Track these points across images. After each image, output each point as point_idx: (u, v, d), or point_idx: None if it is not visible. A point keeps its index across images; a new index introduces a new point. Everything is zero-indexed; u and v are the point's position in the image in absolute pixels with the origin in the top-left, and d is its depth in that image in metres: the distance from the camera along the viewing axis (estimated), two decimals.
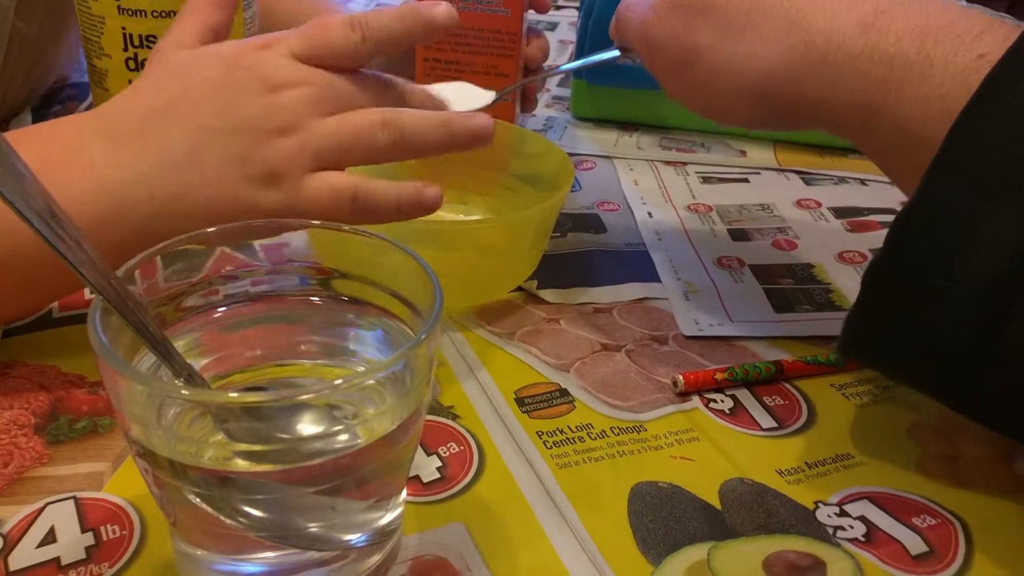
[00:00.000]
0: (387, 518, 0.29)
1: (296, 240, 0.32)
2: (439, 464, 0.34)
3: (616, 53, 0.46)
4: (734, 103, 0.37)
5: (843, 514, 0.32)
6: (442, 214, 0.52)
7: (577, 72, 0.66)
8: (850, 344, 0.33)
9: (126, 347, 0.26)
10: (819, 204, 0.56)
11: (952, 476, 0.35)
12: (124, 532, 0.30)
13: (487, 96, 0.45)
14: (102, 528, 0.30)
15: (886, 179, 0.59)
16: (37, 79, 0.61)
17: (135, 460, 0.26)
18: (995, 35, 0.30)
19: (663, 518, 0.32)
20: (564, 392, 0.38)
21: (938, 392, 0.33)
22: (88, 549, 0.29)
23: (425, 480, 0.33)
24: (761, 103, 0.36)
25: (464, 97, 0.44)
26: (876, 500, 0.33)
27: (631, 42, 0.42)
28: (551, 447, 0.35)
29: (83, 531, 0.30)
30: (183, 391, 0.25)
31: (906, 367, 0.33)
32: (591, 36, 0.63)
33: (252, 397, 0.25)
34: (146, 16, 0.47)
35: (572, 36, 0.89)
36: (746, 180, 0.60)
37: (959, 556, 0.31)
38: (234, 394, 0.26)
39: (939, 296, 0.29)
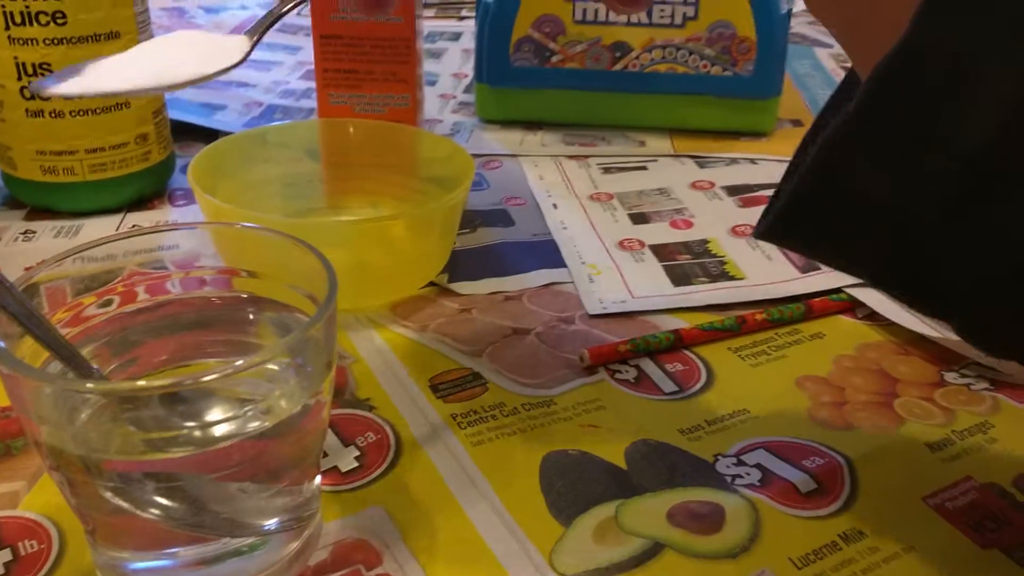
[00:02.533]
0: (301, 503, 0.30)
1: (202, 249, 0.33)
2: (357, 454, 0.35)
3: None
4: None
5: (740, 463, 0.35)
6: (353, 218, 0.54)
7: (479, 76, 0.68)
8: (781, 222, 0.28)
9: (28, 357, 0.26)
10: (712, 184, 0.59)
11: (838, 421, 0.37)
12: (43, 546, 0.30)
13: (230, 54, 0.37)
14: (20, 544, 0.30)
15: (776, 157, 0.63)
16: None
17: (49, 473, 0.26)
18: None
19: (573, 483, 0.34)
20: (477, 376, 0.40)
21: (881, 275, 0.28)
22: (7, 564, 0.29)
23: (344, 470, 0.34)
24: None
25: (204, 55, 0.36)
26: (770, 448, 0.36)
27: None
28: (465, 427, 0.37)
29: (0, 548, 0.30)
30: (88, 384, 0.26)
31: (847, 246, 0.27)
32: (488, 39, 0.65)
33: (156, 382, 0.26)
34: (38, 44, 0.47)
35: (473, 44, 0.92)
36: (644, 168, 0.62)
37: (845, 489, 0.33)
38: (139, 382, 0.27)
39: (913, 164, 0.24)
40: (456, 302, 0.46)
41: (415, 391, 0.39)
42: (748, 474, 0.34)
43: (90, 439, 0.26)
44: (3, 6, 0.46)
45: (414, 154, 0.54)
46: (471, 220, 0.54)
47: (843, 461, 0.35)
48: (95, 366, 0.28)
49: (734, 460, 0.35)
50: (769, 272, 0.48)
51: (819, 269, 0.48)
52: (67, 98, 0.32)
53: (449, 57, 0.88)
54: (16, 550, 0.30)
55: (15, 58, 0.48)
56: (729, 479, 0.34)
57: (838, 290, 0.45)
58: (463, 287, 0.47)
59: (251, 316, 0.32)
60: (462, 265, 0.49)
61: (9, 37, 0.47)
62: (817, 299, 0.45)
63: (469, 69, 0.84)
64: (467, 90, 0.79)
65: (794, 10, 0.66)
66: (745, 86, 0.64)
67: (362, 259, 0.46)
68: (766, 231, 0.28)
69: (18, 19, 0.47)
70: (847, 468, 0.34)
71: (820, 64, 0.84)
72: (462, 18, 1.03)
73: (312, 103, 0.74)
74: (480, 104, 0.70)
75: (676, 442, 0.36)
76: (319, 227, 0.49)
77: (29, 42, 0.47)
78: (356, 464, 0.34)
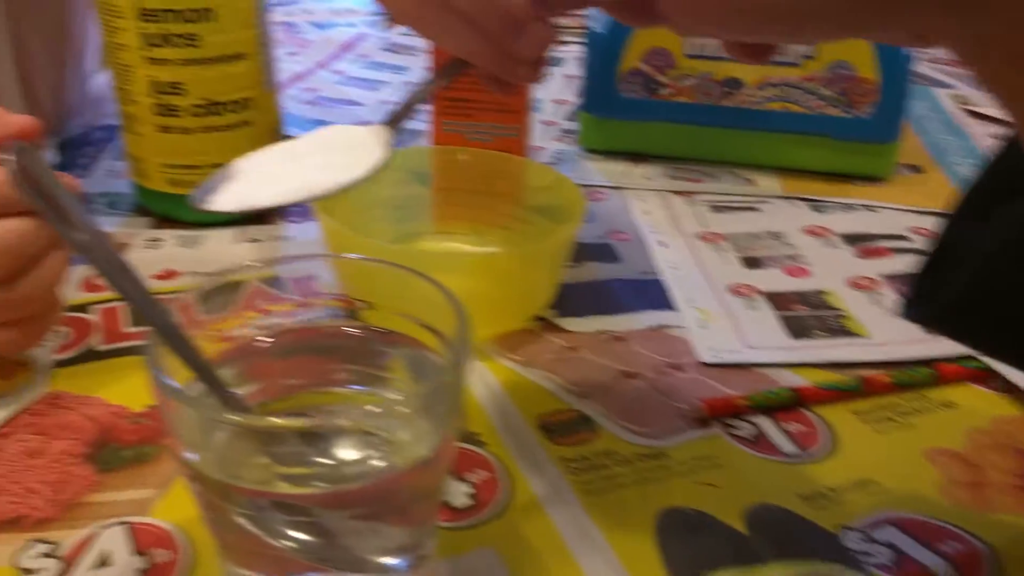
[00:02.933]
0: (423, 543, 0.30)
1: (324, 273, 0.34)
2: (469, 490, 0.35)
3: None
4: None
5: (869, 540, 0.33)
6: (458, 246, 0.54)
7: (583, 105, 0.68)
8: (920, 302, 0.27)
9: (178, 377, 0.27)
10: (828, 230, 0.58)
11: (977, 502, 0.35)
12: (174, 556, 0.31)
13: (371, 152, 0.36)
14: (152, 551, 0.31)
15: (896, 205, 0.61)
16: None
17: (189, 484, 0.27)
18: None
19: (691, 543, 0.33)
20: (587, 419, 0.39)
21: None
22: (141, 572, 0.30)
23: (456, 505, 0.34)
24: None
25: (347, 156, 0.36)
26: (901, 526, 0.34)
27: None
28: (577, 473, 0.36)
29: (134, 554, 0.31)
30: (233, 416, 0.26)
31: (995, 333, 0.27)
32: (596, 67, 0.65)
33: (296, 423, 0.26)
34: (172, 65, 0.49)
35: (578, 71, 0.91)
36: (755, 208, 0.61)
37: None
38: (278, 420, 0.27)
39: None
40: (562, 338, 0.46)
41: (524, 430, 0.39)
42: (880, 553, 0.33)
43: (226, 465, 0.26)
44: (142, 29, 0.48)
45: (521, 183, 0.54)
46: (576, 253, 0.54)
47: (984, 548, 0.33)
48: (235, 391, 0.28)
49: (862, 536, 0.33)
50: (893, 331, 0.46)
51: None
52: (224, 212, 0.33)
53: (552, 83, 0.88)
54: (149, 557, 0.31)
55: (150, 77, 0.50)
56: (858, 556, 0.33)
57: (970, 356, 0.44)
58: (570, 323, 0.47)
59: (379, 348, 0.32)
60: (569, 300, 0.49)
61: (146, 58, 0.49)
62: (947, 364, 0.43)
63: (571, 96, 0.84)
64: (569, 117, 0.79)
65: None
66: (864, 129, 0.62)
67: (472, 290, 0.46)
68: (932, 319, 0.26)
69: (155, 41, 0.49)
70: (990, 556, 0.33)
71: (939, 105, 0.81)
72: (564, 43, 1.03)
73: (418, 124, 0.75)
74: (584, 133, 0.70)
75: (798, 509, 0.35)
76: (432, 256, 0.50)
77: (164, 62, 0.49)
78: (469, 502, 0.34)
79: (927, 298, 0.28)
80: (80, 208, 0.28)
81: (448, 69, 0.38)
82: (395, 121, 0.38)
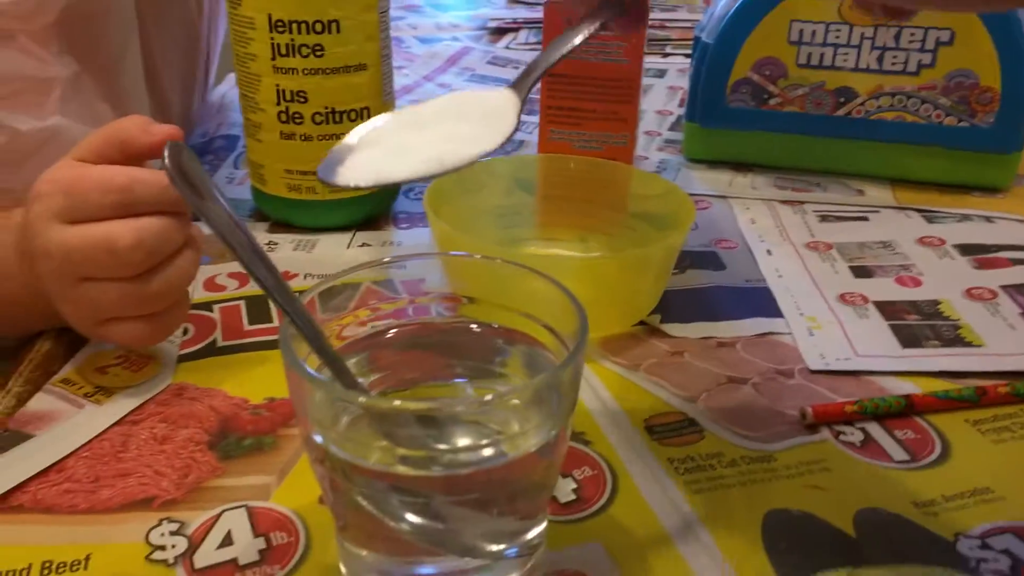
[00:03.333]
0: (533, 533, 0.30)
1: (431, 274, 0.35)
2: (574, 486, 0.36)
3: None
4: None
5: (985, 547, 0.32)
6: (563, 251, 0.55)
7: (690, 115, 0.68)
8: None
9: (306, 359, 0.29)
10: (943, 241, 0.56)
11: None
12: (291, 538, 0.33)
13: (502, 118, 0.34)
14: (272, 534, 0.33)
15: (1013, 215, 0.58)
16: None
17: (313, 467, 0.29)
18: None
19: (798, 543, 0.33)
20: (692, 422, 0.39)
21: None
22: (261, 552, 0.32)
23: (562, 501, 0.35)
24: None
25: (476, 124, 0.34)
26: (1020, 535, 0.33)
27: None
28: (683, 473, 0.36)
29: (255, 536, 0.33)
30: (360, 398, 0.28)
31: None
32: (705, 79, 0.65)
33: (416, 405, 0.27)
34: (297, 73, 0.52)
35: (681, 82, 0.92)
36: (865, 218, 0.60)
37: None
38: (398, 402, 0.29)
39: None
40: (667, 343, 0.46)
41: (630, 430, 0.39)
42: (996, 560, 0.32)
43: (350, 447, 0.28)
44: (272, 39, 0.51)
45: (626, 191, 0.55)
46: (681, 261, 0.54)
47: None
48: (359, 379, 0.30)
49: (978, 543, 0.32)
50: (1012, 341, 0.45)
51: None
52: (357, 188, 0.32)
53: (655, 94, 0.89)
54: (269, 539, 0.33)
55: (276, 86, 0.52)
56: (974, 563, 0.32)
57: None
58: (674, 329, 0.47)
59: (495, 344, 0.33)
60: (673, 306, 0.49)
61: (274, 67, 0.52)
62: None
63: (674, 107, 0.84)
64: (672, 128, 0.79)
65: None
66: (983, 138, 0.60)
67: (576, 293, 0.47)
68: None
69: (283, 51, 0.51)
70: None
71: None
72: (666, 55, 1.03)
73: (522, 135, 0.76)
74: (688, 143, 0.70)
75: (909, 515, 0.34)
76: (537, 259, 0.51)
77: (290, 72, 0.52)
78: (574, 497, 0.35)
79: None
80: (225, 200, 0.30)
81: (582, 26, 0.35)
82: (524, 84, 0.35)
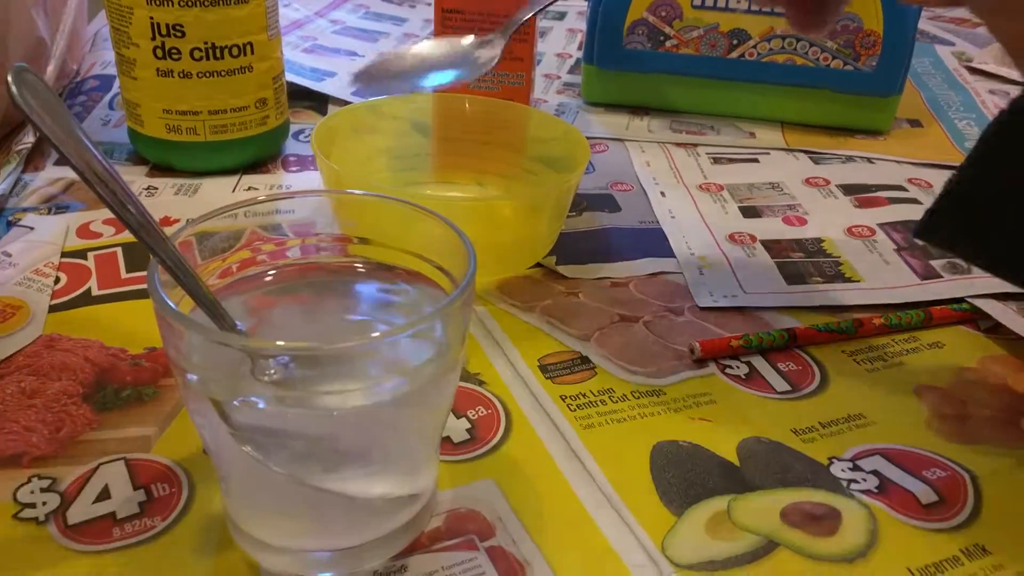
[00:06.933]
0: (424, 473, 0.30)
1: (320, 216, 0.34)
2: (468, 426, 0.35)
3: None
4: None
5: (856, 468, 0.34)
6: (460, 194, 0.54)
7: (588, 57, 0.68)
8: (935, 227, 0.35)
9: (180, 306, 0.27)
10: (828, 182, 0.58)
11: (961, 434, 0.36)
12: (173, 489, 0.32)
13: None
14: (152, 486, 0.32)
15: (894, 158, 0.61)
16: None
17: (192, 417, 0.27)
18: None
19: (684, 473, 0.33)
20: (585, 359, 0.40)
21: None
22: (141, 504, 0.31)
23: (455, 441, 0.35)
24: None
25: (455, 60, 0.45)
26: (888, 455, 0.35)
27: None
28: (575, 410, 0.37)
29: (135, 488, 0.31)
30: (238, 340, 0.27)
31: (999, 251, 0.34)
32: (601, 20, 0.65)
33: (296, 344, 0.26)
34: (173, 5, 0.49)
35: (580, 25, 0.91)
36: (756, 160, 0.61)
37: (968, 504, 0.32)
38: (280, 343, 0.28)
39: None
40: (562, 285, 0.46)
41: (524, 370, 0.39)
42: (865, 480, 0.33)
43: (229, 391, 0.27)
44: None
45: (524, 133, 0.54)
46: (577, 203, 0.54)
47: (966, 475, 0.34)
48: (238, 322, 0.28)
49: (850, 464, 0.34)
50: (887, 276, 0.47)
51: (940, 277, 0.46)
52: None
53: (554, 36, 0.88)
54: (149, 491, 0.31)
55: (151, 18, 0.49)
56: (845, 483, 0.33)
57: (960, 299, 0.44)
58: (570, 270, 0.47)
59: (386, 284, 0.33)
60: (569, 248, 0.49)
61: None
62: (937, 307, 0.43)
63: (574, 50, 0.84)
64: (571, 71, 0.78)
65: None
66: (866, 82, 0.62)
67: (472, 236, 0.46)
68: (921, 228, 0.31)
69: None
70: (970, 483, 0.33)
71: (941, 62, 0.81)
72: None
73: None
74: (586, 86, 0.70)
75: (789, 442, 0.35)
76: (432, 201, 0.50)
77: (165, 3, 0.49)
78: (467, 436, 0.35)
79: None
80: (79, 127, 0.28)
81: None
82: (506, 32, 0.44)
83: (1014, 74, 0.80)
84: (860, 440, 0.36)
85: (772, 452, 0.35)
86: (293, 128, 0.61)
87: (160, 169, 0.55)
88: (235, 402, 0.26)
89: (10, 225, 0.48)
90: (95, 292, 0.43)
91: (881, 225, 0.52)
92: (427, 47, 0.47)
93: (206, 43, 0.50)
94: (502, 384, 0.38)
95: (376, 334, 0.27)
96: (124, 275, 0.44)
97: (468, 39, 0.47)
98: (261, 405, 0.26)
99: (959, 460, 0.34)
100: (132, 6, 0.49)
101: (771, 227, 0.52)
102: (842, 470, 0.34)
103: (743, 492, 0.33)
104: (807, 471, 0.34)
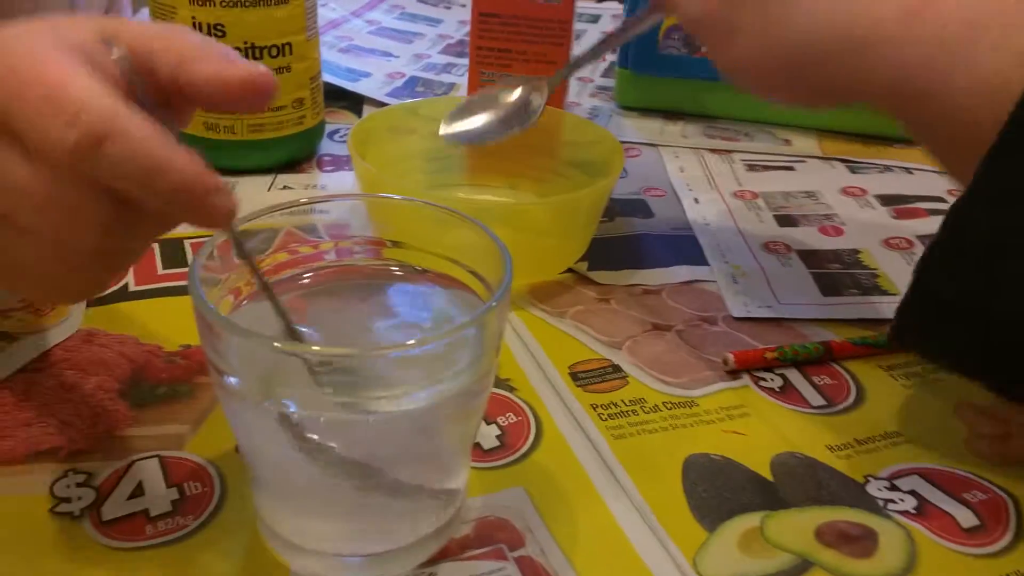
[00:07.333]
0: (455, 478, 0.30)
1: (355, 218, 0.34)
2: (498, 432, 0.35)
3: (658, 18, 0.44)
4: (774, 78, 0.36)
5: (893, 488, 0.33)
6: (492, 197, 0.54)
7: (622, 61, 0.67)
8: (904, 331, 0.33)
9: (218, 305, 0.28)
10: (864, 192, 0.57)
11: (1001, 455, 0.35)
12: (206, 488, 0.32)
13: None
14: (185, 484, 0.32)
15: (932, 168, 0.60)
16: None
17: (227, 416, 0.28)
18: None
19: (717, 488, 0.33)
20: (617, 368, 0.40)
21: (994, 379, 0.33)
22: (174, 503, 0.31)
23: (486, 447, 0.35)
24: (799, 78, 0.35)
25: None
26: (926, 476, 0.34)
27: (676, 13, 0.40)
28: (606, 419, 0.36)
29: (168, 486, 0.32)
30: (274, 343, 0.27)
31: (961, 354, 0.33)
32: None
33: (336, 349, 0.26)
34: (215, 5, 0.49)
35: (615, 28, 0.90)
36: (791, 168, 0.60)
37: (1010, 530, 0.32)
38: (317, 347, 0.28)
39: (1002, 280, 0.29)
40: (594, 291, 0.46)
41: (555, 377, 0.39)
42: (902, 500, 0.33)
43: (266, 393, 0.27)
44: None
45: (558, 137, 0.54)
46: (610, 209, 0.53)
47: (1008, 499, 0.33)
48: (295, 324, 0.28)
49: (886, 483, 0.34)
50: None
51: None
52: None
53: (587, 39, 0.87)
54: (182, 490, 0.32)
55: (193, 18, 0.50)
56: (882, 503, 0.33)
57: None
58: (602, 276, 0.47)
59: (420, 288, 0.33)
60: (601, 254, 0.48)
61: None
62: None
63: (608, 54, 0.84)
64: (605, 74, 0.78)
65: None
66: None
67: (506, 241, 0.46)
68: (891, 336, 0.33)
69: None
70: (1012, 507, 0.33)
71: None
72: (601, 0, 1.02)
73: (452, 78, 0.75)
74: (620, 90, 0.69)
75: (824, 458, 0.35)
76: (465, 205, 0.50)
77: (207, 3, 0.49)
78: (497, 443, 0.35)
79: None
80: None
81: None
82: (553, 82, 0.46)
83: None
84: (897, 459, 0.35)
85: (807, 468, 0.34)
86: (328, 128, 0.61)
87: None
88: (266, 404, 0.26)
89: None
90: (132, 288, 0.43)
91: (920, 237, 0.51)
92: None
93: (246, 43, 0.50)
94: (532, 391, 0.38)
95: (412, 341, 0.27)
96: (160, 271, 0.45)
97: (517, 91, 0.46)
98: (292, 408, 0.26)
99: (999, 482, 0.34)
100: (175, 5, 0.49)
101: (807, 236, 0.51)
102: (879, 489, 0.33)
103: (777, 509, 0.32)
104: (842, 489, 0.33)
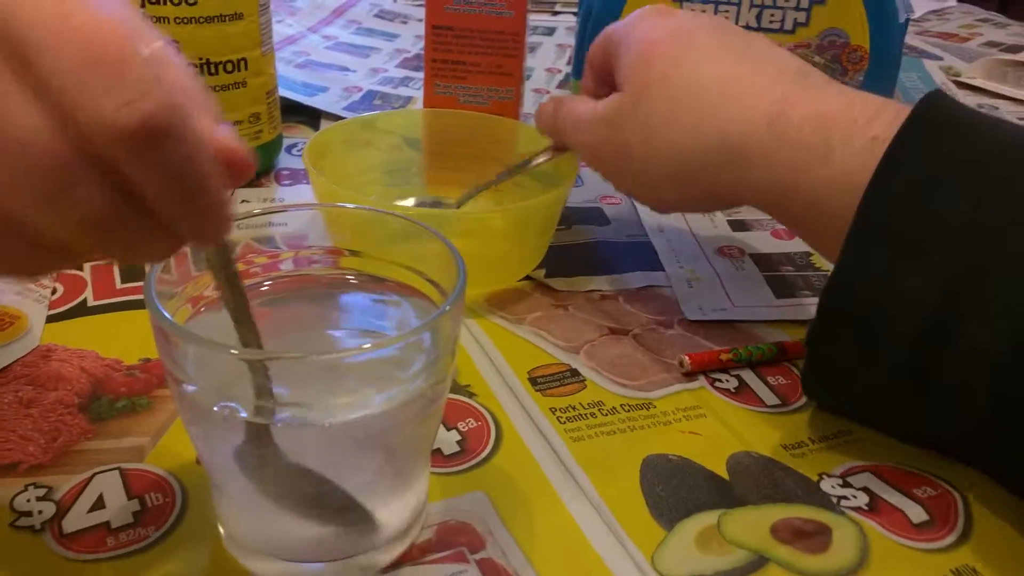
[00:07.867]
0: (415, 485, 0.30)
1: (312, 229, 0.34)
2: (459, 438, 0.36)
3: (548, 157, 0.48)
4: (665, 191, 0.40)
5: (846, 485, 0.34)
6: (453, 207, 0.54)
7: (577, 72, 0.68)
8: (810, 394, 0.38)
9: (175, 316, 0.28)
10: None
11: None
12: (167, 499, 0.32)
13: None
14: (147, 496, 0.32)
15: None
16: None
17: (187, 428, 0.28)
18: (886, 117, 0.33)
19: (674, 488, 0.34)
20: (575, 372, 0.40)
21: (890, 431, 0.37)
22: (135, 514, 0.31)
23: (446, 453, 0.35)
24: (686, 189, 0.39)
25: None
26: (878, 473, 0.35)
27: (571, 145, 0.45)
28: (564, 422, 0.37)
29: (129, 498, 0.32)
30: (231, 349, 0.27)
31: (859, 412, 0.37)
32: (589, 38, 0.65)
33: (290, 353, 0.27)
34: (169, 22, 0.49)
35: (570, 40, 0.92)
36: None
37: (959, 525, 0.33)
38: (270, 351, 0.28)
39: (873, 350, 0.32)
40: (552, 297, 0.46)
41: (514, 382, 0.39)
42: (855, 496, 0.34)
43: (221, 400, 0.27)
44: None
45: (514, 147, 0.55)
46: (566, 217, 0.54)
47: (956, 494, 0.34)
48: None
49: (839, 481, 0.35)
50: None
51: None
52: None
53: (543, 52, 0.89)
54: (143, 501, 0.31)
55: None
56: (835, 499, 0.34)
57: None
58: (559, 283, 0.48)
59: (378, 296, 0.33)
60: (558, 261, 0.49)
61: (143, 15, 0.49)
62: None
63: (563, 65, 0.85)
64: (560, 85, 0.79)
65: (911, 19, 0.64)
66: None
67: (462, 249, 0.47)
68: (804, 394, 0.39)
69: None
70: (961, 502, 0.34)
71: (930, 77, 0.82)
72: (556, 13, 1.03)
73: (409, 91, 0.75)
74: None
75: (779, 457, 0.36)
76: (422, 215, 0.50)
77: (162, 20, 0.49)
78: (458, 449, 0.35)
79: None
80: None
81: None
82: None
83: (1004, 89, 0.81)
84: (850, 456, 0.36)
85: (762, 467, 0.35)
86: (286, 142, 0.61)
87: None
88: (216, 408, 0.26)
89: None
90: (91, 303, 0.43)
91: None
92: None
93: (201, 59, 0.50)
94: (492, 396, 0.38)
95: (367, 345, 0.27)
96: (119, 285, 0.44)
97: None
98: (242, 415, 0.26)
99: (949, 479, 0.35)
100: None
101: (760, 241, 0.52)
102: (832, 486, 0.34)
103: (733, 507, 0.33)
104: (797, 487, 0.34)
